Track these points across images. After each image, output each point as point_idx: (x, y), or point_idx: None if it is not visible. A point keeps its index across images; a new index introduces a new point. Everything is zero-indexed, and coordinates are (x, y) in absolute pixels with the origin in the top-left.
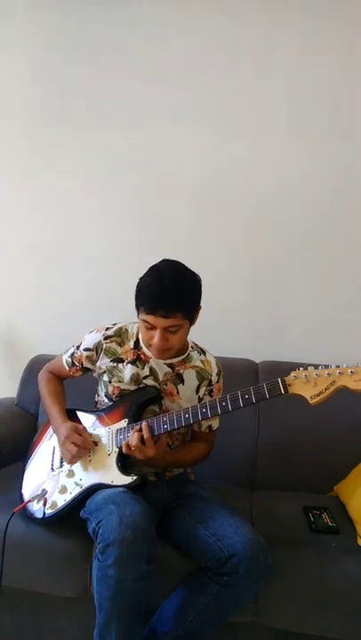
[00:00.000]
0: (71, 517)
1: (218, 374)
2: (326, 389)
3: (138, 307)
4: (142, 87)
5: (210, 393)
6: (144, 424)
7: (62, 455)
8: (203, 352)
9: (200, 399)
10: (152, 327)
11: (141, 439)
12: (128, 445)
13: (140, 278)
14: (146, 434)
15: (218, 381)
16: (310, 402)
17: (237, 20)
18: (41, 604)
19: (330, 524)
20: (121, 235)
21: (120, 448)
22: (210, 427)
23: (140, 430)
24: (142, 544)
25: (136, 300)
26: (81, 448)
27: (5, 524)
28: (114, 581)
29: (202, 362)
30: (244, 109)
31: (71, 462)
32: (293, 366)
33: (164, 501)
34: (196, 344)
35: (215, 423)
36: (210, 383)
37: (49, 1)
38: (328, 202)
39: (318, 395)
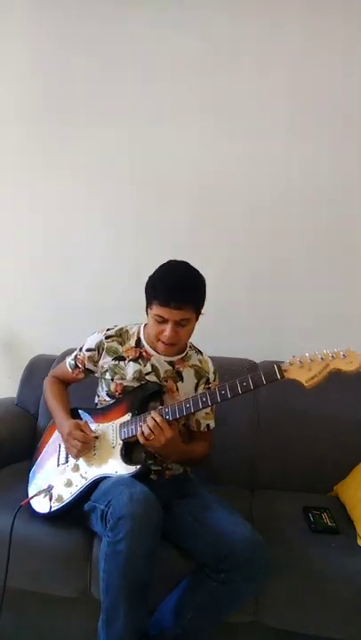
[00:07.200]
0: (73, 516)
1: (214, 373)
2: (320, 372)
3: (150, 302)
4: (142, 86)
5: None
6: (152, 411)
7: (67, 451)
8: (200, 352)
9: None
10: (163, 321)
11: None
12: (143, 434)
13: (151, 277)
14: (158, 417)
15: (215, 380)
16: (306, 384)
17: (238, 19)
18: (41, 604)
19: (330, 524)
20: (121, 234)
21: (124, 440)
22: (208, 425)
23: (152, 418)
24: (152, 519)
25: (148, 295)
26: (83, 443)
27: (11, 524)
28: (123, 557)
29: (200, 361)
30: (244, 108)
31: (77, 457)
32: None
33: (165, 500)
34: (193, 344)
35: (212, 422)
36: (207, 381)
37: (49, 0)
38: (329, 201)
39: (313, 378)
